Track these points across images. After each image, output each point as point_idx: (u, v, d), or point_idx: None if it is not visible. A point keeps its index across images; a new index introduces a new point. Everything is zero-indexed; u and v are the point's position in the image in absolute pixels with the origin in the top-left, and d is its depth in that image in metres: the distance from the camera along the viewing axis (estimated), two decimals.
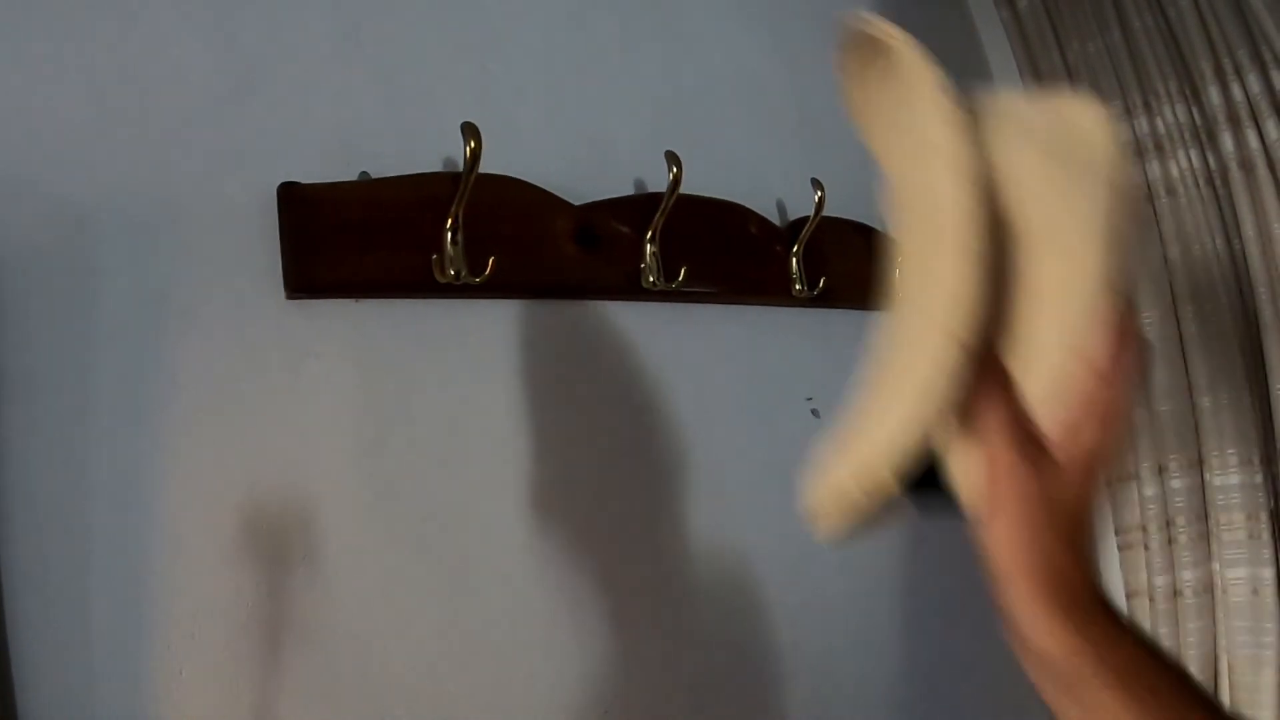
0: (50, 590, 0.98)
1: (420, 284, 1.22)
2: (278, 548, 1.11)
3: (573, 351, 1.40)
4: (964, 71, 2.30)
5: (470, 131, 1.18)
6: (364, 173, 1.24)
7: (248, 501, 1.10)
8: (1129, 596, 2.08)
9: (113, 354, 1.05)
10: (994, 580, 0.58)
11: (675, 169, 1.41)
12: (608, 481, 1.40)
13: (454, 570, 1.24)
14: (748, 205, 1.63)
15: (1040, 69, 2.22)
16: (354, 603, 1.15)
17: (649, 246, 1.45)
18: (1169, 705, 0.52)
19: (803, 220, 1.69)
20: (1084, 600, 0.55)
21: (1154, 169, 2.08)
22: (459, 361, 1.28)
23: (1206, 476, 1.93)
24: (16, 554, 0.96)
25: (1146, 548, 2.02)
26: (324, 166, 1.21)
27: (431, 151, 1.32)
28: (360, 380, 1.20)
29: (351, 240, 1.18)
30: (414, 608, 1.20)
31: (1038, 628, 0.55)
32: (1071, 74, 2.17)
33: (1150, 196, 2.08)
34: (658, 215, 1.43)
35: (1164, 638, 1.97)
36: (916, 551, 1.82)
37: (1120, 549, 2.09)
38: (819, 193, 1.62)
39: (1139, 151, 2.09)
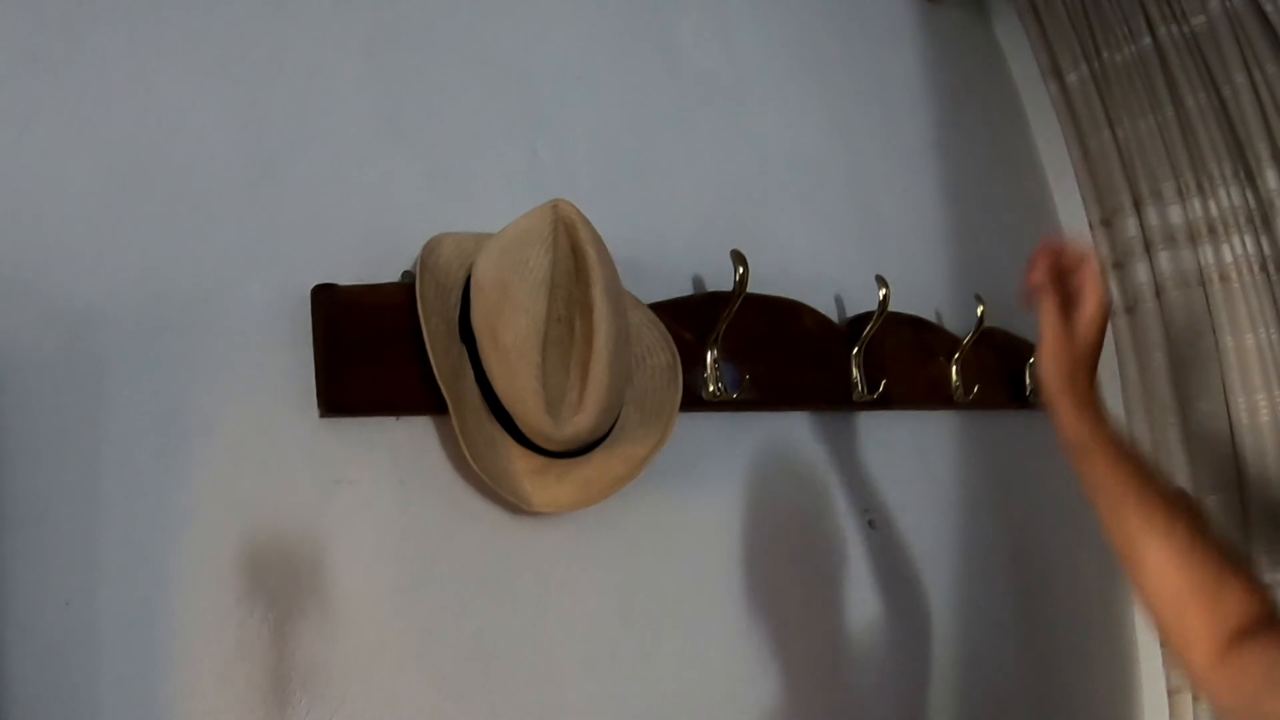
0: None
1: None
2: (308, 694, 0.94)
3: None
4: (1009, 147, 2.17)
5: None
6: (407, 273, 1.09)
7: (272, 644, 0.93)
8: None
9: (120, 478, 0.87)
10: (1047, 400, 1.03)
11: (742, 269, 1.26)
12: (649, 608, 1.23)
13: (499, 717, 1.07)
14: (804, 300, 1.48)
15: (1089, 147, 2.09)
16: None
17: (710, 353, 1.30)
18: (1131, 458, 0.96)
19: (861, 317, 1.54)
20: (1090, 402, 1.00)
21: (1206, 254, 1.93)
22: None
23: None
24: (15, 695, 0.80)
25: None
26: (362, 266, 1.05)
27: None
28: (400, 509, 1.03)
29: (393, 350, 1.03)
30: None
31: (1067, 420, 1.00)
32: (1122, 152, 2.04)
33: (1203, 282, 1.95)
34: (721, 321, 1.28)
35: None
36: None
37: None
38: (883, 290, 1.47)
39: (1191, 236, 1.96)
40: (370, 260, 1.06)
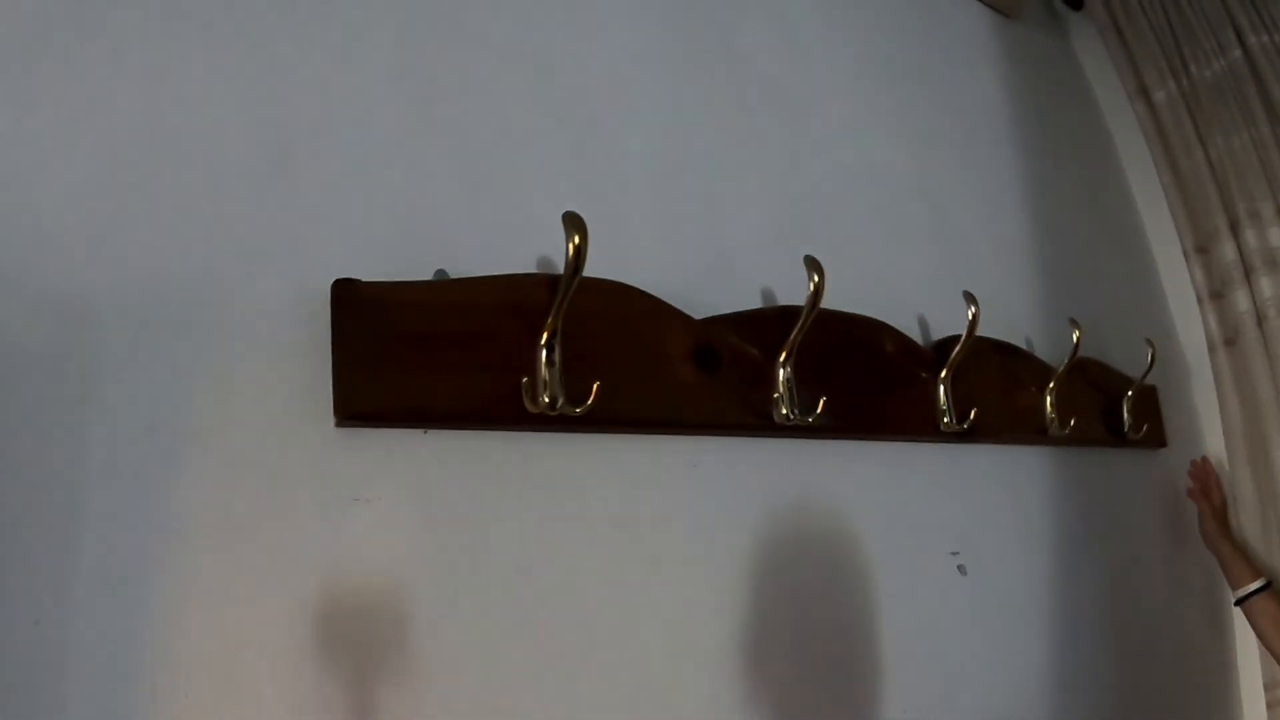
0: None
1: (507, 413, 0.90)
2: None
3: (685, 499, 1.06)
4: (1094, 170, 1.99)
5: (574, 224, 0.88)
6: (440, 271, 0.94)
7: (270, 679, 0.77)
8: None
9: (106, 486, 0.73)
10: (1208, 543, 1.71)
11: (816, 277, 1.09)
12: (717, 652, 1.04)
13: None
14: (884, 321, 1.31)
15: (1180, 168, 1.89)
16: None
17: (782, 371, 1.12)
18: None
19: (947, 340, 1.36)
20: (1227, 540, 1.69)
21: None
22: (547, 512, 0.95)
23: None
24: None
25: None
26: (389, 263, 0.90)
27: (521, 248, 1.02)
28: (423, 533, 0.87)
29: (423, 355, 0.87)
30: None
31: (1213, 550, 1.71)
32: (1215, 173, 1.84)
33: None
34: (794, 333, 1.10)
35: None
36: None
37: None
38: (972, 308, 1.29)
39: None
40: (398, 258, 0.92)
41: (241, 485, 0.79)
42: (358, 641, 0.81)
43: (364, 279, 0.87)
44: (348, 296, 0.85)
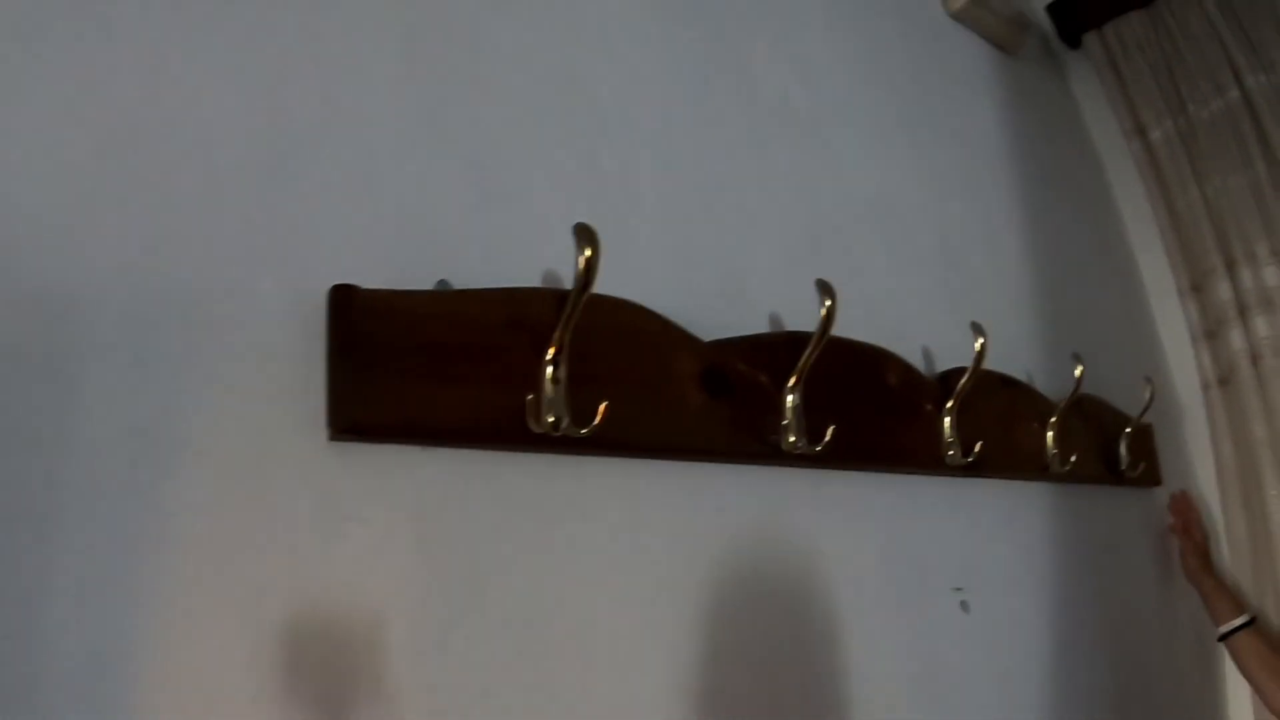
0: None
1: (510, 432, 0.85)
2: None
3: (691, 528, 1.01)
4: (1092, 209, 1.97)
5: (586, 236, 0.83)
6: (442, 281, 0.89)
7: (253, 704, 0.71)
8: None
9: (83, 494, 0.66)
10: (1190, 579, 1.71)
11: (829, 302, 1.05)
12: (725, 687, 0.99)
13: None
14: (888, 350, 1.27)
15: (1176, 207, 1.88)
16: None
17: (790, 398, 1.08)
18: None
19: (951, 372, 1.32)
20: (1209, 576, 1.69)
21: None
22: (551, 537, 0.90)
23: None
24: None
25: None
26: (391, 270, 0.85)
27: (526, 261, 0.97)
28: (420, 556, 0.81)
29: (423, 368, 0.82)
30: None
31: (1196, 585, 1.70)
32: (1212, 212, 1.83)
33: None
34: (804, 359, 1.06)
35: None
36: None
37: None
38: (980, 339, 1.26)
39: None
40: (400, 264, 0.87)
41: (229, 496, 0.73)
42: (340, 669, 0.75)
43: (363, 285, 0.81)
44: (345, 303, 0.80)
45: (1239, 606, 1.63)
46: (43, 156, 0.71)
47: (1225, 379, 1.81)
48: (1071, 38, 2.05)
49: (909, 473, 1.25)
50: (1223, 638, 1.61)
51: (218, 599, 0.71)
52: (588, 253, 0.83)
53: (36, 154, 0.70)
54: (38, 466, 0.66)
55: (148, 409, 0.71)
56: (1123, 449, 1.64)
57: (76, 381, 0.69)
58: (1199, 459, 1.87)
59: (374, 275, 0.83)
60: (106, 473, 0.68)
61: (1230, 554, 1.78)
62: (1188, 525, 1.76)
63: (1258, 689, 1.56)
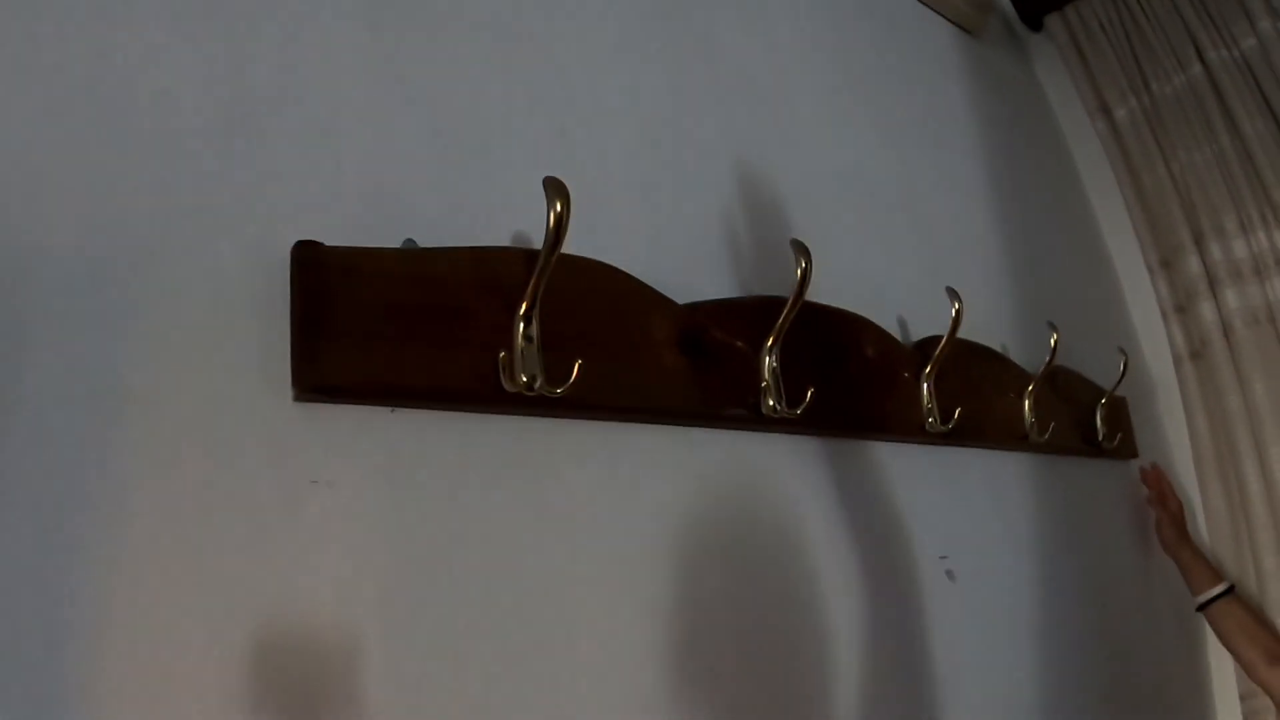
0: None
1: (482, 392, 0.82)
2: None
3: (670, 493, 0.98)
4: (1057, 185, 1.97)
5: (556, 190, 0.80)
6: (409, 240, 0.85)
7: (215, 685, 0.67)
8: None
9: (38, 456, 0.63)
10: (1167, 550, 1.71)
11: (804, 263, 1.02)
12: (704, 652, 0.96)
13: None
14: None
15: (1143, 184, 1.88)
16: None
17: (768, 359, 1.06)
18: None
19: (928, 340, 1.31)
20: (1186, 546, 1.67)
21: (1276, 288, 1.72)
22: (525, 500, 0.86)
23: None
24: None
25: None
26: (355, 228, 0.81)
27: (494, 222, 0.94)
28: (390, 520, 0.77)
29: (391, 327, 0.78)
30: None
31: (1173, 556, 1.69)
32: (1179, 188, 1.83)
33: (1273, 318, 1.72)
34: (781, 320, 1.04)
35: None
36: None
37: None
38: (956, 305, 1.24)
39: (1258, 270, 1.74)
40: (364, 224, 0.83)
41: (188, 459, 0.69)
42: (307, 638, 0.71)
43: (327, 243, 0.78)
44: (310, 260, 0.77)
45: (1217, 575, 1.62)
46: None
47: (1197, 352, 1.81)
48: (1033, 20, 2.05)
49: (890, 440, 1.23)
50: (1201, 607, 1.60)
51: (175, 563, 0.67)
52: (558, 207, 0.80)
53: None
54: None
55: (101, 369, 0.67)
56: (1099, 421, 1.63)
57: (28, 340, 0.65)
58: (1174, 432, 1.87)
59: (338, 235, 0.80)
60: (58, 434, 0.64)
61: (1208, 525, 1.77)
62: (1162, 496, 1.75)
63: (1238, 657, 1.55)
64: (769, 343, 1.04)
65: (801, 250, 1.03)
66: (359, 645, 0.73)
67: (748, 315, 1.07)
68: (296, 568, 0.72)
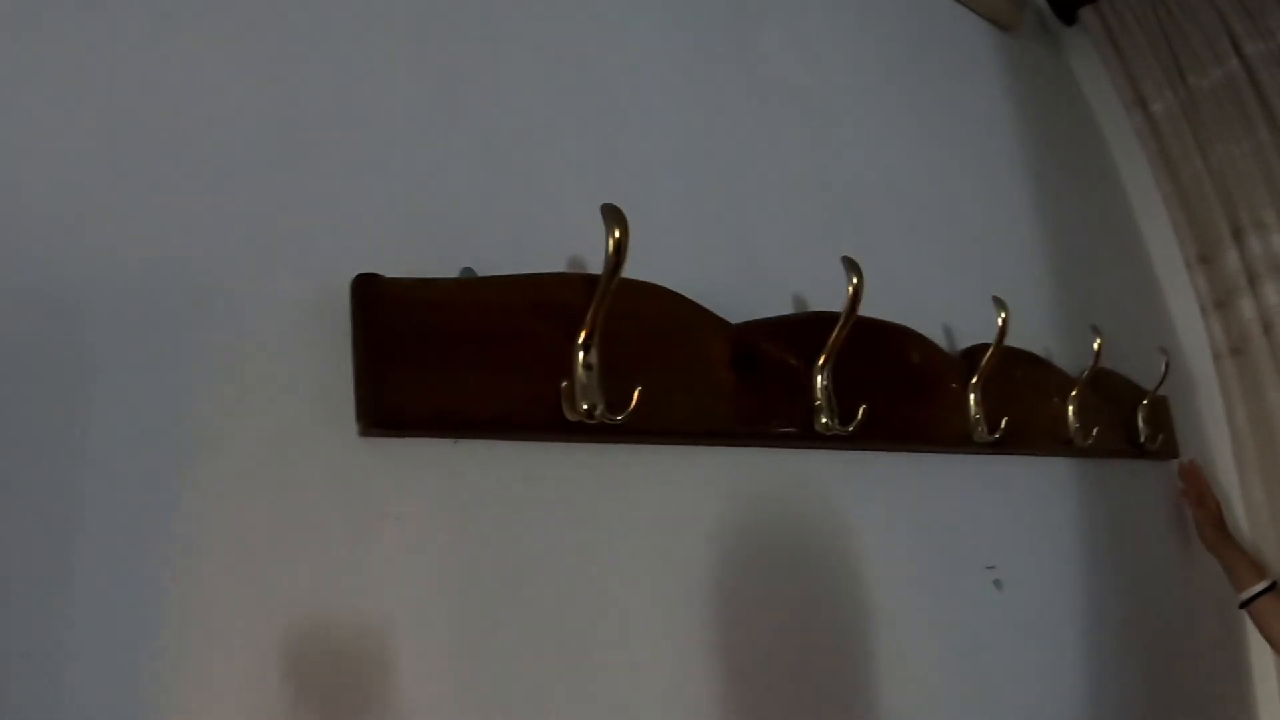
0: None
1: (543, 421, 0.81)
2: None
3: (727, 514, 0.97)
4: (1094, 181, 1.94)
5: (614, 217, 0.80)
6: (467, 269, 0.85)
7: (292, 712, 0.67)
8: None
9: (101, 502, 0.62)
10: (1209, 548, 1.66)
11: (855, 279, 1.01)
12: (761, 668, 0.95)
13: None
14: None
15: (1181, 179, 1.85)
16: None
17: (820, 378, 1.05)
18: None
19: (974, 349, 1.29)
20: (1228, 543, 1.64)
21: None
22: (589, 527, 0.86)
23: None
24: None
25: None
26: (412, 259, 0.81)
27: (549, 247, 0.93)
28: (458, 551, 0.77)
29: (453, 358, 0.78)
30: None
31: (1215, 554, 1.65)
32: (1216, 182, 1.80)
33: None
34: (832, 338, 1.03)
35: None
36: None
37: None
38: (1002, 314, 1.23)
39: None
40: (420, 253, 0.83)
41: (255, 497, 0.69)
42: (379, 671, 0.71)
43: (388, 275, 0.78)
44: (371, 294, 0.76)
45: (1260, 572, 1.60)
46: (47, 151, 0.67)
47: (1237, 348, 1.78)
48: (1067, 14, 2.02)
49: (937, 451, 1.22)
50: (1245, 604, 1.58)
51: (246, 603, 0.67)
52: (617, 234, 0.79)
53: (40, 149, 0.67)
54: (51, 472, 0.62)
55: (163, 409, 0.67)
56: (1140, 421, 1.61)
57: (91, 384, 0.65)
58: (1213, 429, 1.84)
59: (394, 264, 0.79)
60: (127, 476, 0.64)
61: (1248, 521, 1.75)
62: (1201, 494, 1.72)
63: None
64: (820, 361, 1.03)
65: (853, 267, 1.02)
66: (433, 675, 0.73)
67: (799, 332, 1.06)
68: (370, 601, 0.72)
